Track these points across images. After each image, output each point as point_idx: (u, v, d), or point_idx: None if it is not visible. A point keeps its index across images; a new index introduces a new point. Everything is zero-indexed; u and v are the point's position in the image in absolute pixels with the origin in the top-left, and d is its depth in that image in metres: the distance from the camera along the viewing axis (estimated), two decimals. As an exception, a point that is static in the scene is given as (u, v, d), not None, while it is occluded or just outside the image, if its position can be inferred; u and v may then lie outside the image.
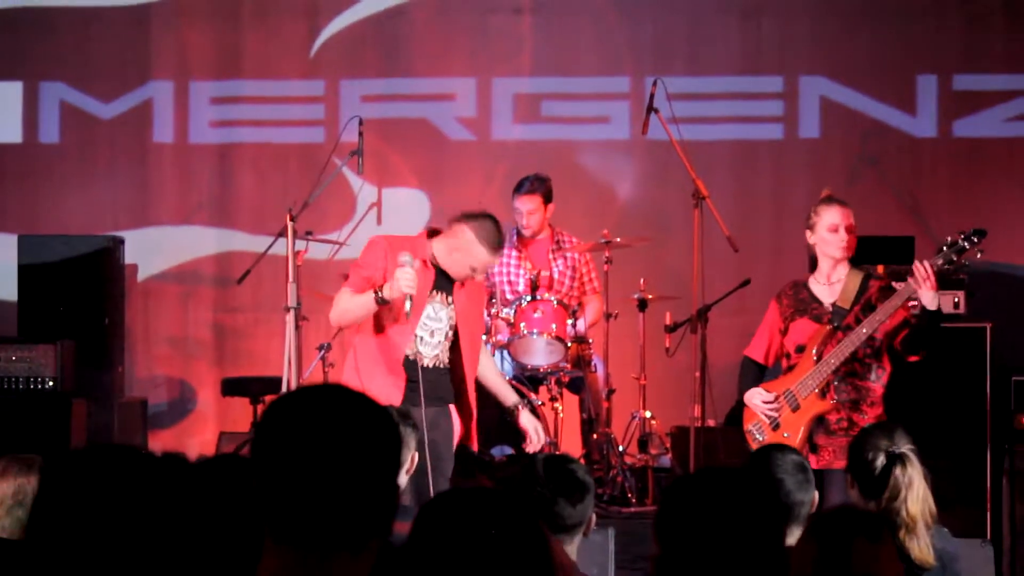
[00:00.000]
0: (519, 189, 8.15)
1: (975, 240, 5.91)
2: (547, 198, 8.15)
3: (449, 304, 6.16)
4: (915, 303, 6.00)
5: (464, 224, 6.00)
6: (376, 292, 5.93)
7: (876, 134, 9.11)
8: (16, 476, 4.00)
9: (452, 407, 6.25)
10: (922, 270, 5.85)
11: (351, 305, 6.05)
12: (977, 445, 7.45)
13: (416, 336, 6.11)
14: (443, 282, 6.12)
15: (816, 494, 4.18)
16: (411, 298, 5.82)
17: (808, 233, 6.24)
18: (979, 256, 5.96)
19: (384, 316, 6.06)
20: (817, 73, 9.19)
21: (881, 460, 4.22)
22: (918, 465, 4.25)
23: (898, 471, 4.19)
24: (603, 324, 8.03)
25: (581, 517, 3.89)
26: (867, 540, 3.12)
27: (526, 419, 6.30)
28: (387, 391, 5.98)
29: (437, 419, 6.13)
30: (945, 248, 5.96)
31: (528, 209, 8.12)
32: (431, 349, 6.15)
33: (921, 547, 4.10)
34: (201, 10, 9.42)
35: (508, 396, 6.41)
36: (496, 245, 6.03)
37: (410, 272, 5.81)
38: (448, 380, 6.21)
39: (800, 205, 6.70)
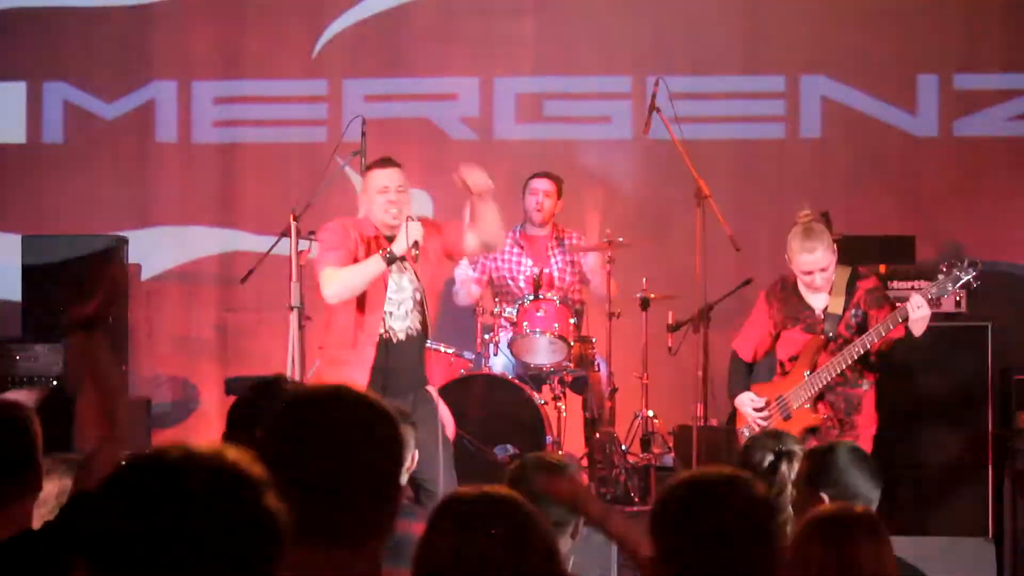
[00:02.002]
0: (537, 174, 8.29)
1: (971, 271, 6.17)
2: (560, 191, 8.28)
3: (406, 268, 6.21)
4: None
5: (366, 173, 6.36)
6: (383, 252, 6.01)
7: (877, 133, 9.10)
8: (60, 476, 3.92)
9: (433, 389, 6.28)
10: (912, 302, 6.05)
11: (354, 273, 6.12)
12: (979, 443, 7.44)
13: (385, 313, 6.16)
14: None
15: (878, 493, 4.12)
16: (417, 244, 6.01)
17: (787, 258, 6.44)
18: (975, 286, 6.23)
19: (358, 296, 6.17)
20: (818, 72, 9.17)
21: (769, 458, 4.37)
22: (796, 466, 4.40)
23: (784, 467, 4.33)
24: (606, 323, 8.02)
25: (561, 517, 3.87)
26: (870, 539, 3.15)
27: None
28: (353, 378, 6.00)
29: (414, 407, 6.06)
30: (941, 277, 6.22)
31: (545, 190, 8.24)
32: (401, 322, 6.21)
33: None
34: (204, 10, 9.40)
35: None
36: (378, 162, 6.31)
37: (418, 223, 6.03)
38: (421, 353, 6.25)
39: (788, 253, 6.70)
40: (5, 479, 3.19)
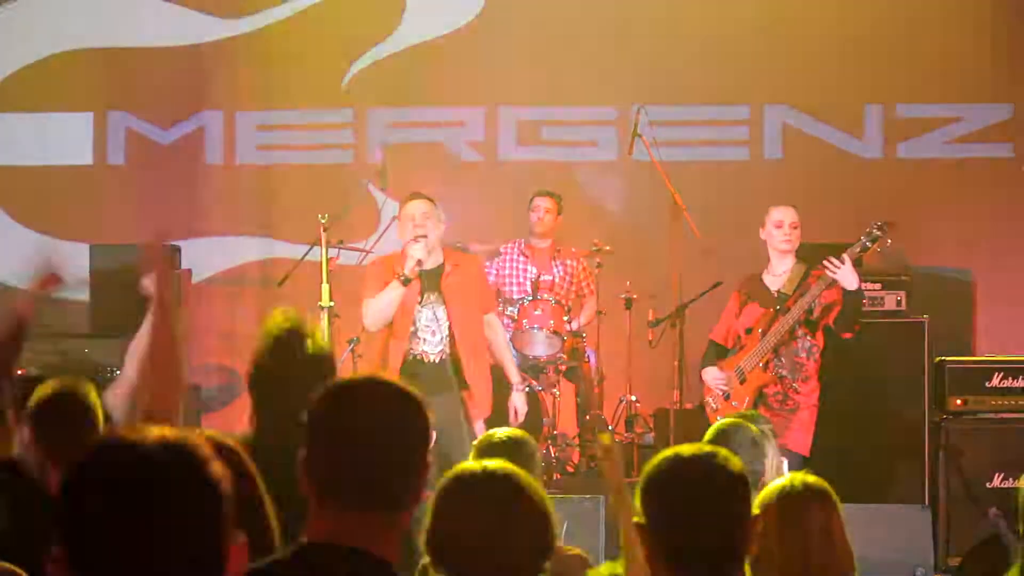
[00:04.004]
0: (540, 192, 8.41)
1: (884, 230, 6.46)
2: (560, 208, 8.40)
3: (442, 301, 6.35)
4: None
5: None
6: (398, 277, 6.21)
7: (830, 155, 9.21)
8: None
9: (467, 394, 6.38)
10: (830, 264, 6.35)
11: (380, 301, 6.38)
12: (917, 422, 7.55)
13: (419, 338, 6.35)
14: (429, 283, 6.34)
15: (767, 464, 4.26)
16: (419, 262, 6.31)
17: (761, 230, 6.70)
18: (889, 243, 6.52)
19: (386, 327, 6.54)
20: (779, 102, 9.30)
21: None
22: (772, 439, 4.47)
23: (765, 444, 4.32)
24: (595, 321, 8.12)
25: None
26: (821, 506, 3.16)
27: (514, 399, 6.68)
28: None
29: (441, 407, 6.18)
30: (862, 238, 6.49)
31: (546, 207, 8.35)
32: (434, 347, 6.40)
33: None
34: (247, 49, 9.57)
35: (511, 375, 6.75)
36: (409, 196, 6.55)
37: (421, 245, 6.32)
38: (452, 368, 6.38)
39: (764, 217, 6.83)
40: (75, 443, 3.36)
